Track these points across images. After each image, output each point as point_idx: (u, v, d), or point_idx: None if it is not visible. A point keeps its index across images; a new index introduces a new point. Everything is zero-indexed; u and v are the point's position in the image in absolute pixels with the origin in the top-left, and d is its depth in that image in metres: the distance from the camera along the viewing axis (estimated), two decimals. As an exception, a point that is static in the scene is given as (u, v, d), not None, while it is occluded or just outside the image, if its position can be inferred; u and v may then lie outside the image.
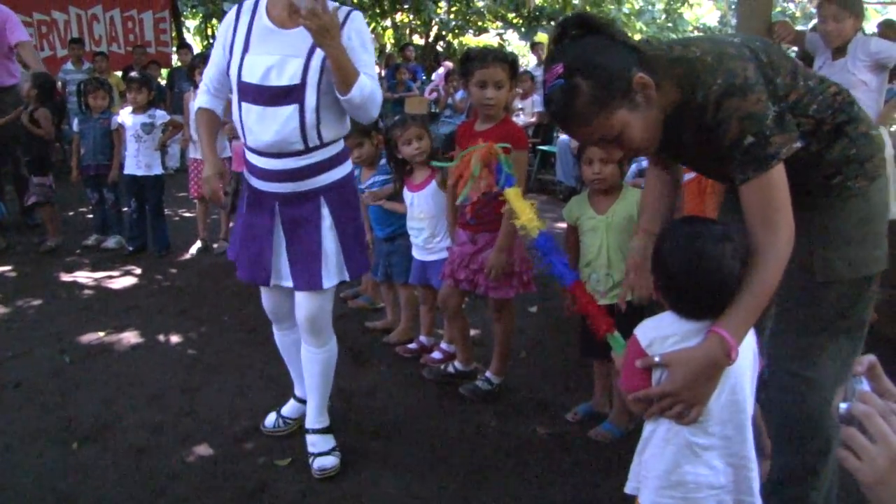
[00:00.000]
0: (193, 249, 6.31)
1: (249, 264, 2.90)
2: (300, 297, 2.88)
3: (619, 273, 3.07)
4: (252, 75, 2.64)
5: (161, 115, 6.23)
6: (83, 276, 5.69)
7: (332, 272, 2.85)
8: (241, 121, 2.72)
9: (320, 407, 3.08)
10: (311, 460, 2.98)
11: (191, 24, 20.77)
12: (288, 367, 3.34)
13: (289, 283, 2.87)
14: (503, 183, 2.31)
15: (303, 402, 3.24)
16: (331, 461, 2.96)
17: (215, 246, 6.33)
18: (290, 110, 2.65)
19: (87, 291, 5.35)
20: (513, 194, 2.26)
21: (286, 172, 2.74)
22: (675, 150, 1.98)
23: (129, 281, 5.59)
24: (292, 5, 2.61)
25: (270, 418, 3.30)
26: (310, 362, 3.02)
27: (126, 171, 6.16)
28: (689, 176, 3.19)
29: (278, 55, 2.63)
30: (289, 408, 3.33)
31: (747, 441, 1.80)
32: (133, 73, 6.73)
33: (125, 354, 4.21)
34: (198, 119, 2.88)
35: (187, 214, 7.75)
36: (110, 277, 5.65)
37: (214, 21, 18.98)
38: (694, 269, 1.74)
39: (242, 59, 2.66)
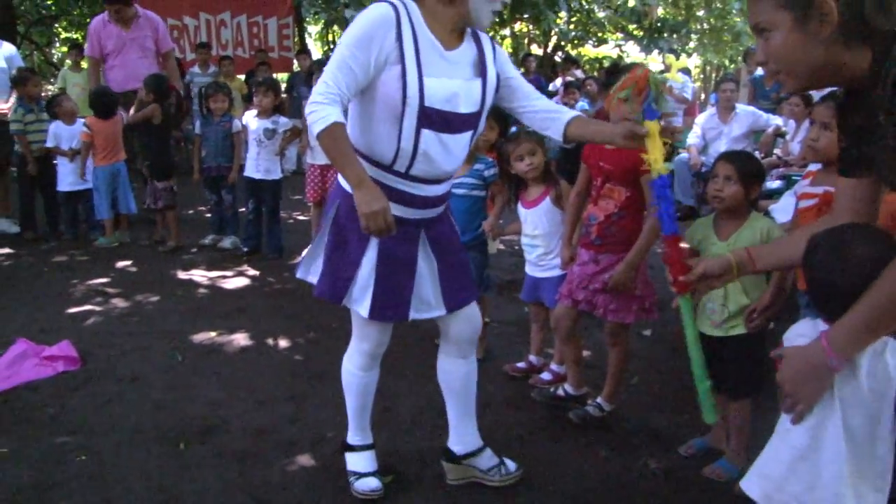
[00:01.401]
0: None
1: (391, 301, 2.60)
2: (462, 314, 2.78)
3: (734, 304, 2.92)
4: (438, 101, 2.40)
5: (284, 123, 6.31)
6: (198, 275, 5.82)
7: None
8: (413, 148, 2.43)
9: (474, 422, 2.99)
10: (492, 471, 2.93)
11: (312, 29, 21.22)
12: (361, 412, 3.01)
13: (436, 313, 2.71)
14: (646, 114, 2.32)
15: (371, 447, 3.00)
16: (513, 466, 2.98)
17: (328, 250, 6.35)
18: (467, 136, 2.55)
19: (201, 290, 5.47)
20: (652, 127, 2.28)
21: (442, 197, 2.62)
22: (868, 137, 1.74)
23: (241, 282, 5.68)
24: (457, 25, 2.48)
25: (371, 483, 2.89)
26: (468, 378, 2.91)
27: (245, 174, 6.28)
28: (806, 203, 2.96)
29: (459, 79, 2.46)
30: (370, 459, 2.97)
31: (844, 484, 1.64)
32: (260, 78, 6.87)
33: (235, 356, 4.26)
34: (338, 136, 2.30)
35: (301, 217, 7.87)
36: (224, 277, 5.76)
37: (336, 27, 19.37)
38: (831, 267, 1.68)
39: (422, 81, 2.37)
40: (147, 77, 6.51)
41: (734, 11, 21.01)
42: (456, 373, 2.88)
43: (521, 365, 4.06)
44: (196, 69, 10.68)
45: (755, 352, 2.95)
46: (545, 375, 3.89)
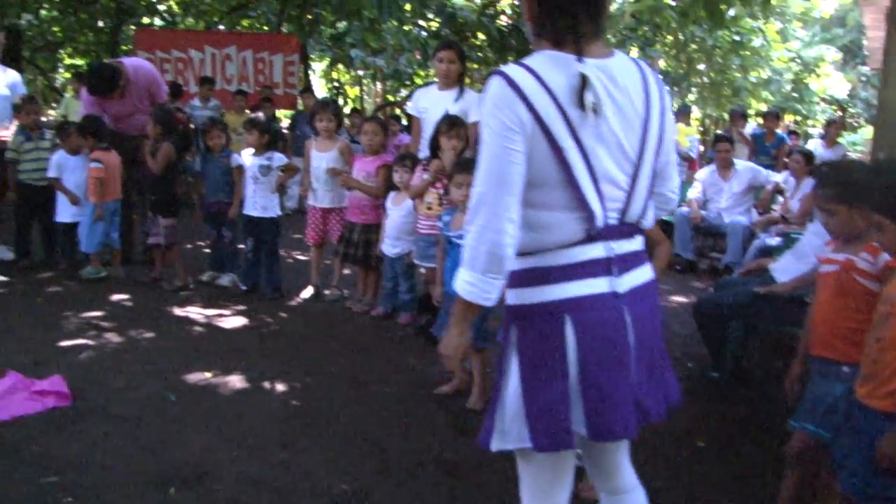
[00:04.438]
0: (305, 294, 6.32)
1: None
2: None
3: None
4: None
5: (278, 158, 6.28)
6: (195, 312, 5.75)
7: None
8: None
9: None
10: None
11: (316, 66, 21.34)
12: None
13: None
14: None
15: None
16: None
17: (326, 293, 6.31)
18: None
19: (197, 328, 5.40)
20: None
21: None
22: None
23: (238, 321, 5.61)
24: None
25: None
26: None
27: (244, 211, 6.25)
28: (828, 268, 2.90)
29: None
30: None
31: None
32: (252, 115, 6.85)
33: (229, 398, 4.18)
34: None
35: (300, 257, 7.80)
36: (221, 316, 5.69)
37: (340, 66, 19.50)
38: None
39: None
40: (155, 109, 6.50)
41: (734, 66, 21.25)
42: None
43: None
44: (196, 102, 10.66)
45: None
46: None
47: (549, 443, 1.93)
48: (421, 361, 4.90)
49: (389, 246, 5.56)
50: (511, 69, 1.86)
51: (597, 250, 1.94)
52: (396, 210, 5.49)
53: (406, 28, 14.16)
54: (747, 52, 20.80)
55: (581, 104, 1.84)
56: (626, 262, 1.99)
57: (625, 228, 1.99)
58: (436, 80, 5.67)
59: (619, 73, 1.93)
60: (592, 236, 1.93)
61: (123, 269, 6.71)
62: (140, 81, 6.80)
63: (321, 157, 6.09)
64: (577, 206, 1.89)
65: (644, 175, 1.99)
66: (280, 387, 4.36)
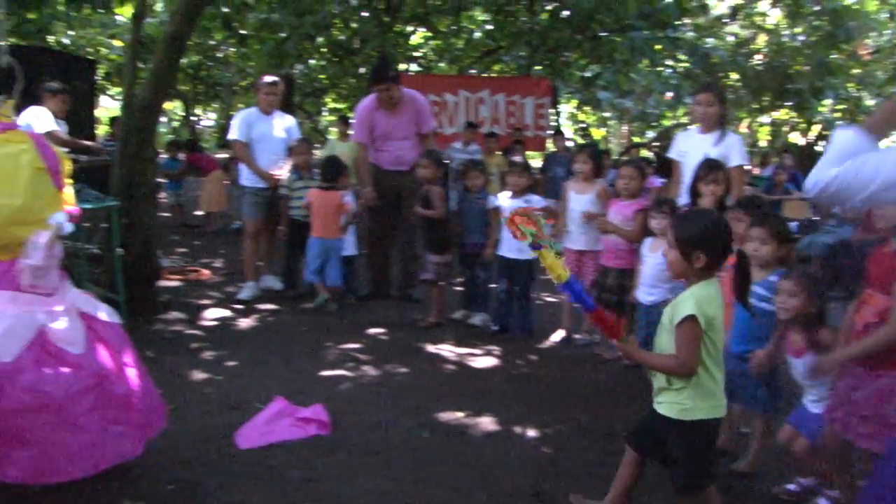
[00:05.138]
0: (555, 337, 6.24)
1: None
2: None
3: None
4: None
5: (537, 201, 6.26)
6: (447, 350, 5.82)
7: None
8: None
9: None
10: None
11: (563, 107, 21.48)
12: None
13: None
14: (533, 247, 2.82)
15: None
16: None
17: (577, 337, 6.20)
18: None
19: (448, 366, 5.46)
20: (541, 254, 2.80)
21: None
22: None
23: (489, 362, 5.61)
24: None
25: None
26: None
27: (499, 252, 6.28)
28: None
29: None
30: None
31: None
32: (515, 158, 6.88)
33: (480, 440, 4.15)
34: None
35: (550, 299, 7.73)
36: (472, 355, 5.72)
37: (587, 108, 19.50)
38: None
39: None
40: (428, 152, 6.77)
41: None
42: None
43: (792, 487, 3.67)
44: (457, 145, 10.91)
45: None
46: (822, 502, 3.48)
47: None
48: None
49: (644, 293, 5.34)
50: None
51: None
52: (652, 257, 5.27)
53: (657, 69, 13.90)
54: None
55: None
56: None
57: None
58: (687, 121, 5.45)
59: None
60: None
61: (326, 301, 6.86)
62: (412, 104, 7.13)
63: (578, 199, 6.02)
64: None
65: None
66: (530, 433, 4.28)
